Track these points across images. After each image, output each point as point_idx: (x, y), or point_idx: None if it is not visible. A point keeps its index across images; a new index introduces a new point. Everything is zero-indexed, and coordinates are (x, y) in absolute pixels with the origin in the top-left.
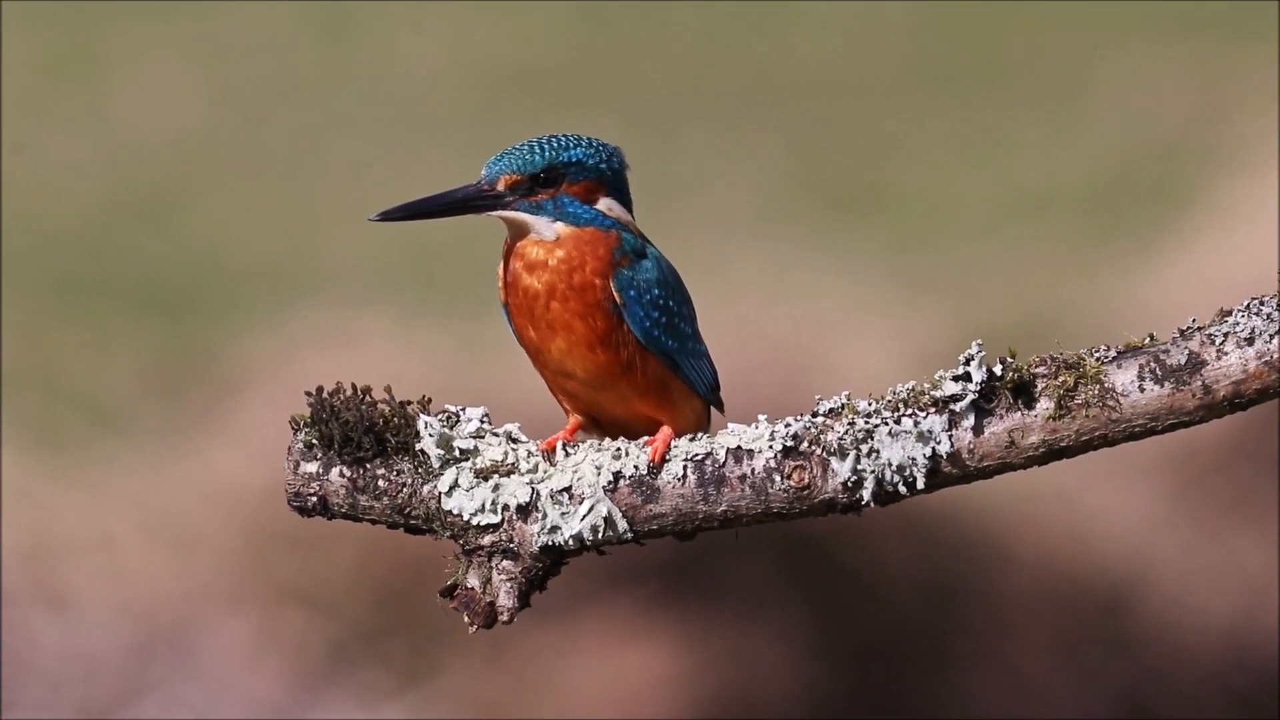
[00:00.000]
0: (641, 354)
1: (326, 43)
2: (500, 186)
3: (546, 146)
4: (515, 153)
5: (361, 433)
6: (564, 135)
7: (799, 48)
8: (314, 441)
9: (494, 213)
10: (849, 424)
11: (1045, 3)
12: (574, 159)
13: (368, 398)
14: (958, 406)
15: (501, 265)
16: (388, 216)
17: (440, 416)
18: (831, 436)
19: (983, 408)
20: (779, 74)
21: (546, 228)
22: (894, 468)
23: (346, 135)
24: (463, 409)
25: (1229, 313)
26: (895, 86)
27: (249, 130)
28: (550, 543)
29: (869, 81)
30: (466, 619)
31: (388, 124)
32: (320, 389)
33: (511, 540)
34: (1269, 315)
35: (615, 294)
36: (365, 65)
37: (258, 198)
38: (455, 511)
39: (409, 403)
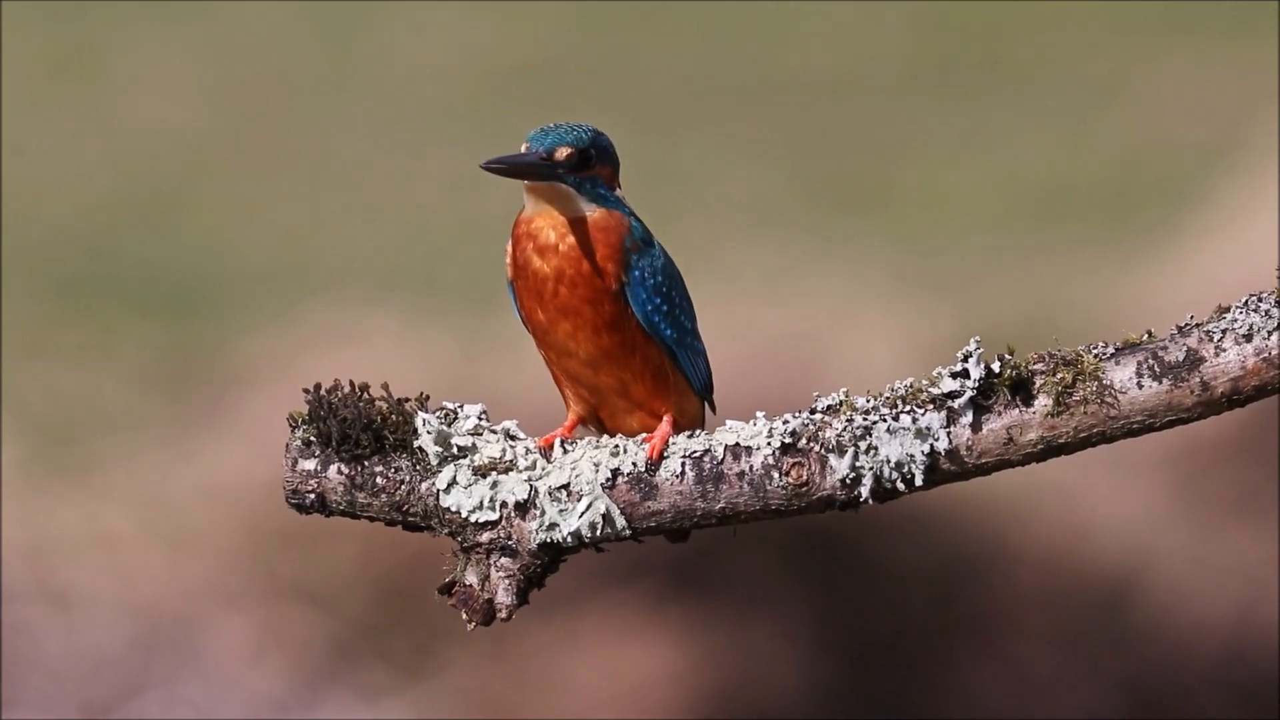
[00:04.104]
0: (644, 340)
1: (329, 42)
2: (559, 157)
3: (582, 128)
4: (565, 128)
5: (359, 430)
6: (579, 123)
7: (801, 47)
8: (312, 439)
9: (548, 182)
10: (847, 421)
11: (1048, 2)
12: (602, 144)
13: (365, 395)
14: (956, 403)
15: (510, 245)
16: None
17: (438, 413)
18: (830, 433)
19: (981, 405)
20: (780, 73)
21: (585, 205)
22: (892, 464)
23: (349, 135)
24: (460, 406)
25: (1227, 309)
26: (897, 85)
27: (252, 130)
28: (548, 540)
29: (871, 80)
30: (464, 616)
31: (390, 123)
32: (318, 386)
33: (510, 537)
34: (1267, 312)
35: (622, 274)
36: (368, 65)
37: (260, 197)
38: (453, 508)
39: (406, 400)
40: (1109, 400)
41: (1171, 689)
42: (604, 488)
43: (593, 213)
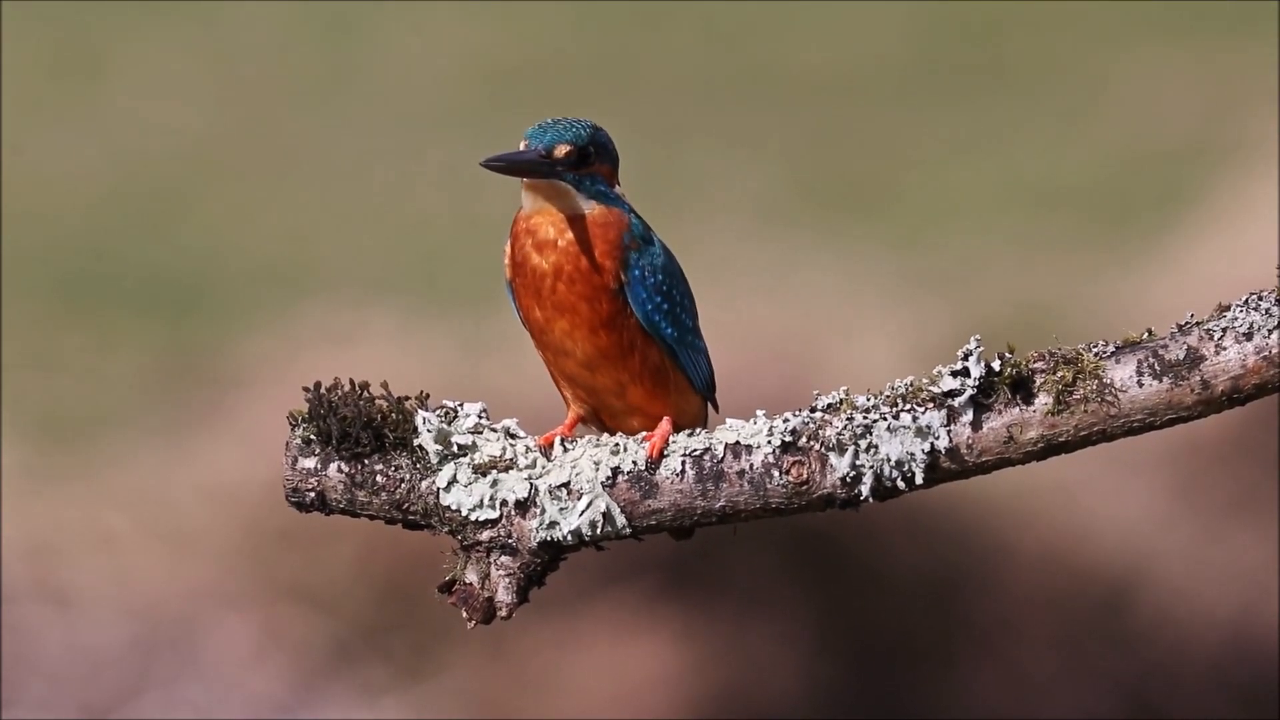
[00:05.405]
0: (643, 339)
1: (329, 44)
2: (559, 154)
3: (581, 124)
4: (564, 124)
5: (359, 428)
6: (578, 118)
7: (801, 47)
8: (312, 437)
9: (547, 179)
10: (847, 419)
11: (1048, 2)
12: (601, 140)
13: (365, 393)
14: (956, 402)
15: (509, 243)
16: (491, 164)
17: (438, 412)
18: (830, 432)
19: (981, 403)
20: (781, 74)
21: (585, 202)
22: (892, 463)
23: (350, 135)
24: (460, 404)
25: (1227, 308)
26: (897, 85)
27: (252, 130)
28: (548, 538)
29: (871, 80)
30: (465, 615)
31: (390, 124)
32: (318, 384)
33: (510, 536)
34: (1267, 310)
35: (620, 273)
36: (368, 65)
37: (261, 198)
38: (453, 507)
39: (406, 398)
40: (1109, 399)
41: (1171, 689)
42: (604, 486)
43: (592, 210)
